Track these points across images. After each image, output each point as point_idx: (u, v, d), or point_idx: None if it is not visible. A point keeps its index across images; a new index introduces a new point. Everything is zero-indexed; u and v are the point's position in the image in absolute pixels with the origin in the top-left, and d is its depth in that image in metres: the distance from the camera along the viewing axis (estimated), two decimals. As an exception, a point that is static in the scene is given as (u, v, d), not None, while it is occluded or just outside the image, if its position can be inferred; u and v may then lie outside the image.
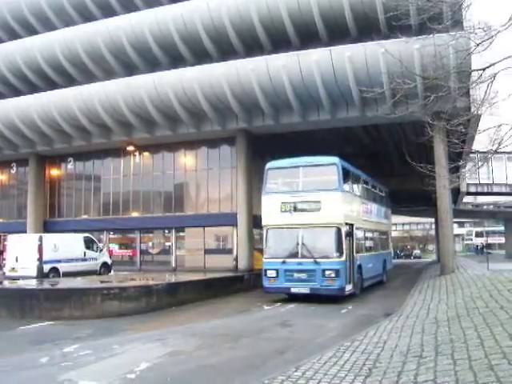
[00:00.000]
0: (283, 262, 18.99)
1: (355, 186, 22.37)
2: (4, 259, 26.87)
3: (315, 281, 18.41)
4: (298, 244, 18.97)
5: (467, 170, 22.13)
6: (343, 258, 18.50)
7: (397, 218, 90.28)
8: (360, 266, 20.92)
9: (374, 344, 9.40)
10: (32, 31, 34.21)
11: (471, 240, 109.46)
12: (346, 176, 20.38)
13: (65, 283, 20.54)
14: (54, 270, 25.32)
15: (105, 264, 29.20)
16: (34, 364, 9.57)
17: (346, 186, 20.19)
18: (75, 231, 30.34)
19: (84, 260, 27.38)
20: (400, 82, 12.56)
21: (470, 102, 18.70)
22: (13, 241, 26.41)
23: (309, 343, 11.24)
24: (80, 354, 10.34)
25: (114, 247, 36.39)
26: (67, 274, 24.98)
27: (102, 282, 21.13)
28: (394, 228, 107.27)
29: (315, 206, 18.98)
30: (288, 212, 19.37)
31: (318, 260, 18.42)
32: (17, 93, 34.05)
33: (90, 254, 27.96)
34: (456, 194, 44.73)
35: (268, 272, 19.42)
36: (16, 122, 31.81)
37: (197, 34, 28.20)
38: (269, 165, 20.83)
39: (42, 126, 31.44)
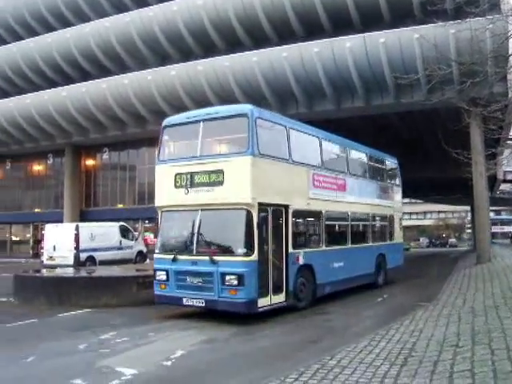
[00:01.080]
0: (174, 260, 13.17)
1: (295, 148, 14.45)
2: (42, 248, 27.32)
3: (212, 290, 12.39)
4: (193, 234, 13.15)
5: (504, 156, 21.79)
6: (253, 255, 12.12)
7: (432, 206, 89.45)
8: (310, 267, 14.58)
9: (409, 333, 9.32)
10: (66, 24, 34.60)
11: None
12: (270, 133, 14.01)
13: (101, 271, 20.75)
14: (91, 259, 25.68)
15: (140, 252, 29.48)
16: (73, 350, 9.71)
17: (268, 148, 13.31)
18: (111, 220, 30.69)
19: (119, 248, 27.69)
20: (435, 68, 12.38)
21: (507, 87, 18.36)
22: (50, 230, 26.78)
23: (344, 331, 11.21)
24: (117, 341, 10.47)
25: (149, 236, 36.70)
26: (103, 263, 25.28)
27: (137, 270, 21.27)
28: (428, 216, 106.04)
29: (217, 179, 12.88)
30: (183, 188, 13.40)
31: (217, 258, 12.39)
32: (53, 84, 34.53)
33: (125, 242, 28.26)
34: (492, 181, 44.05)
35: (157, 273, 13.66)
36: (52, 113, 32.29)
37: (229, 23, 28.20)
38: (165, 121, 15.32)
39: (77, 116, 31.86)
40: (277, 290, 13.10)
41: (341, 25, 27.02)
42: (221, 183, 12.73)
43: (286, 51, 25.55)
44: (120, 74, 30.81)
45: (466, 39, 17.49)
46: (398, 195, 23.00)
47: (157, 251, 14.08)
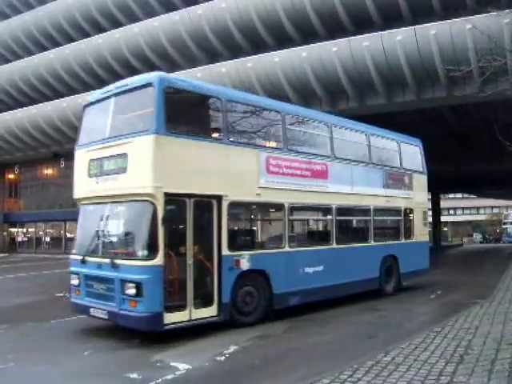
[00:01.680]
0: (83, 262, 11.33)
1: (236, 125, 12.20)
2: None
3: (114, 299, 10.26)
4: (99, 231, 11.20)
5: None
6: (157, 259, 9.85)
7: (486, 201, 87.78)
8: (263, 273, 12.00)
9: (465, 330, 9.17)
10: (117, 23, 35.20)
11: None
12: (191, 106, 11.78)
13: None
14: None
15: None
16: (128, 345, 9.88)
17: (186, 125, 11.27)
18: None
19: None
20: (489, 59, 12.11)
21: None
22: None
23: (398, 328, 11.10)
24: (170, 336, 10.60)
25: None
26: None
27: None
28: (482, 211, 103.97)
29: (121, 164, 10.66)
30: (94, 176, 11.39)
31: (118, 262, 10.29)
32: (103, 84, 35.10)
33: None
34: (550, 175, 42.87)
35: (71, 277, 11.84)
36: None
37: (278, 19, 28.20)
38: (85, 100, 13.16)
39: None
40: (203, 302, 10.74)
41: (391, 18, 26.70)
42: (124, 170, 10.52)
43: (335, 45, 25.35)
44: (170, 73, 31.10)
45: (520, 28, 17.07)
46: (420, 185, 19.22)
47: (73, 251, 12.16)
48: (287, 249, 12.82)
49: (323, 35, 28.05)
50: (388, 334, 10.50)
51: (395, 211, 17.47)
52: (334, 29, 28.06)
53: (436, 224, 64.81)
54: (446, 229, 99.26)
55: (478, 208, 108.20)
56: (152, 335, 10.21)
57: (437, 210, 65.80)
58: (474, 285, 19.45)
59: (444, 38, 22.95)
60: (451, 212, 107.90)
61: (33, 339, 10.63)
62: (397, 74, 25.06)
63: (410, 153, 19.11)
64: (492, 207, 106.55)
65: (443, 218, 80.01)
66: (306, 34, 28.65)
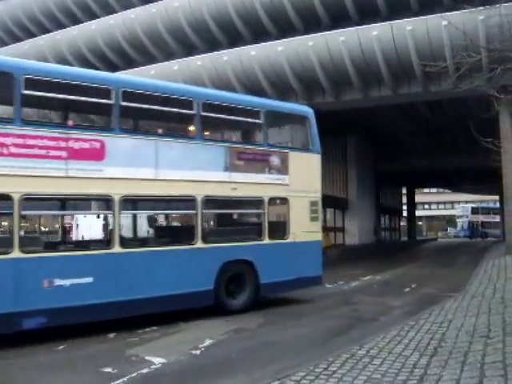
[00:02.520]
0: None
1: None
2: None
3: None
4: None
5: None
6: None
7: (460, 196, 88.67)
8: None
9: (438, 323, 9.26)
10: (92, 15, 34.83)
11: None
12: None
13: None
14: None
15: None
16: (102, 339, 9.83)
17: None
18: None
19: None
20: (464, 55, 12.21)
21: (538, 74, 18.04)
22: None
23: (372, 321, 11.19)
24: (146, 330, 10.57)
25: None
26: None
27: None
28: (457, 206, 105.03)
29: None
30: None
31: None
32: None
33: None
34: (523, 170, 43.37)
35: None
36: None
37: (255, 12, 28.11)
38: None
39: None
40: None
41: (367, 13, 26.75)
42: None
43: (311, 40, 25.35)
44: (146, 65, 30.89)
45: (495, 25, 17.15)
46: (306, 167, 14.61)
47: None
48: (17, 254, 9.39)
49: (300, 29, 28.02)
50: (363, 327, 10.59)
51: (251, 202, 13.82)
52: (310, 23, 28.05)
53: (411, 218, 65.41)
54: (420, 223, 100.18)
55: (452, 203, 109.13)
56: (127, 329, 10.17)
57: (412, 204, 66.36)
58: (448, 278, 19.70)
59: (420, 34, 23.10)
60: (426, 207, 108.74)
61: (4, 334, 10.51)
62: (373, 69, 25.16)
63: (289, 125, 15.95)
64: (466, 202, 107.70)
65: (418, 213, 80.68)
66: (283, 28, 28.61)
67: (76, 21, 35.48)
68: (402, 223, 64.39)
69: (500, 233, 77.42)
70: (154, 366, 7.96)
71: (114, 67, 33.69)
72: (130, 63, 33.14)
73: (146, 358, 8.46)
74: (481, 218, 79.14)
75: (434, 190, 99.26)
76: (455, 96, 23.43)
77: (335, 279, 19.73)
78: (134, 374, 7.51)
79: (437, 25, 22.21)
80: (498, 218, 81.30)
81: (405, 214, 65.75)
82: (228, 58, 27.21)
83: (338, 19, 27.25)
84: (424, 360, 6.87)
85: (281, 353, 8.72)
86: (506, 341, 6.94)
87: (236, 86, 27.68)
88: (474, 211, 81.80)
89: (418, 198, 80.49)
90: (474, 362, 6.26)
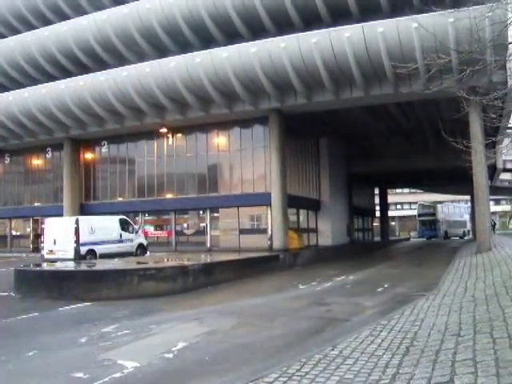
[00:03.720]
0: None
1: None
2: (42, 242, 27.30)
3: None
4: None
5: (504, 145, 21.78)
6: None
7: (432, 196, 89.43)
8: None
9: (411, 322, 9.33)
10: (64, 17, 34.48)
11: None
12: None
13: (102, 265, 20.82)
14: (91, 252, 25.62)
15: (140, 245, 29.44)
16: (74, 343, 9.74)
17: None
18: (111, 214, 30.65)
19: (120, 242, 27.64)
20: (434, 57, 12.32)
21: (507, 75, 18.29)
22: (50, 224, 26.72)
23: (345, 322, 11.23)
24: (118, 333, 10.49)
25: (150, 229, 36.76)
26: (104, 256, 25.28)
27: (138, 263, 21.36)
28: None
29: None
30: None
31: None
32: (50, 78, 34.40)
33: (125, 235, 28.21)
34: (492, 170, 44.07)
35: None
36: (50, 107, 32.18)
37: (227, 14, 28.10)
38: None
39: (75, 110, 31.75)
40: None
41: (339, 15, 26.89)
42: None
43: (284, 42, 25.41)
44: (118, 67, 30.70)
45: (464, 28, 17.41)
46: None
47: None
48: None
49: (272, 31, 28.07)
50: (336, 327, 10.62)
51: None
52: (283, 25, 28.12)
53: (384, 219, 65.85)
54: (393, 223, 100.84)
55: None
56: (99, 333, 10.07)
57: (384, 205, 66.81)
58: (421, 277, 19.85)
59: (391, 36, 23.29)
60: (398, 207, 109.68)
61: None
62: (345, 71, 25.31)
63: None
64: (441, 202, 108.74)
65: (390, 213, 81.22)
66: (256, 30, 28.62)
67: (47, 22, 35.09)
68: (374, 223, 64.69)
69: (462, 232, 77.02)
70: (126, 370, 7.89)
71: (85, 69, 33.42)
72: (101, 65, 32.88)
73: (119, 361, 8.39)
74: (441, 216, 74.19)
75: (406, 190, 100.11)
76: (426, 97, 23.67)
77: (308, 280, 19.81)
78: (106, 379, 7.43)
79: (407, 27, 22.42)
80: (459, 217, 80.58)
81: (378, 214, 66.12)
82: (200, 60, 27.15)
83: (310, 21, 27.35)
84: (396, 359, 6.91)
85: (254, 355, 8.71)
86: (476, 339, 7.01)
87: (208, 88, 27.65)
88: (419, 215, 76.86)
89: (391, 199, 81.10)
90: (445, 360, 6.31)
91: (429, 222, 73.37)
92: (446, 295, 12.18)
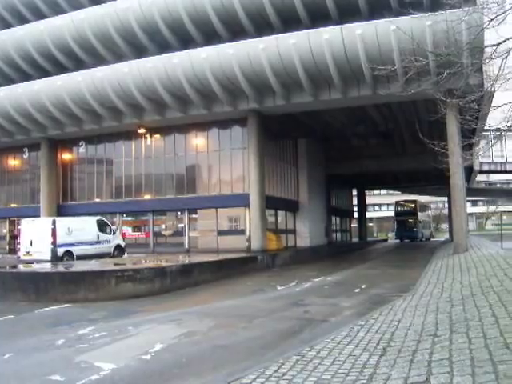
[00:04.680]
0: None
1: None
2: (18, 243, 27.06)
3: None
4: None
5: (480, 147, 22.00)
6: None
7: (410, 198, 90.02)
8: None
9: (388, 323, 9.37)
10: (41, 15, 34.14)
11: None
12: None
13: (79, 266, 20.66)
14: (68, 254, 25.45)
15: (118, 246, 29.30)
16: (51, 346, 9.65)
17: None
18: (88, 214, 30.45)
19: (98, 243, 27.48)
20: (412, 60, 12.44)
21: (483, 78, 18.51)
22: (27, 225, 26.49)
23: (323, 322, 11.25)
24: (95, 335, 10.42)
25: (127, 230, 36.56)
26: (81, 257, 25.12)
27: (115, 264, 21.23)
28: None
29: None
30: None
31: None
32: (27, 77, 34.05)
33: (103, 236, 28.05)
34: (469, 172, 44.50)
35: None
36: (27, 107, 31.85)
37: (206, 15, 28.04)
38: None
39: (52, 110, 31.47)
40: None
41: (318, 16, 26.98)
42: None
43: (263, 43, 25.44)
44: (96, 67, 30.50)
45: (442, 31, 17.56)
46: None
47: None
48: None
49: (251, 33, 28.08)
50: (313, 328, 10.63)
51: None
52: (262, 27, 28.14)
53: (362, 220, 66.16)
54: (371, 224, 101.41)
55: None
56: (76, 335, 9.99)
57: (362, 206, 67.13)
58: (398, 278, 19.97)
59: (369, 38, 23.42)
60: (376, 208, 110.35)
61: None
62: (323, 73, 25.39)
63: None
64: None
65: (368, 214, 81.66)
66: (234, 31, 28.62)
67: (23, 21, 34.69)
68: (352, 224, 65.00)
69: (429, 234, 73.51)
70: (103, 372, 7.83)
71: (63, 69, 33.12)
72: (79, 65, 32.63)
73: (96, 364, 8.32)
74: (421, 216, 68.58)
75: (384, 191, 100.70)
76: (404, 99, 23.89)
77: (287, 281, 19.84)
78: (82, 381, 7.37)
79: (386, 29, 22.57)
80: (427, 218, 76.76)
81: (356, 215, 66.43)
82: (179, 61, 27.07)
83: (289, 23, 27.40)
84: (373, 360, 6.93)
85: (231, 356, 8.70)
86: (452, 339, 7.06)
87: (187, 89, 27.58)
88: (397, 215, 71.00)
89: (369, 200, 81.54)
90: (421, 360, 6.34)
91: (409, 222, 67.17)
92: (423, 296, 12.26)
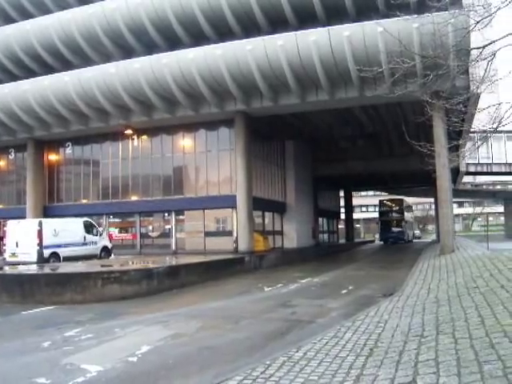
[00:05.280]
0: None
1: None
2: (4, 245, 26.85)
3: None
4: None
5: (467, 148, 22.14)
6: None
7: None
8: None
9: (375, 324, 9.40)
10: (27, 15, 33.93)
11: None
12: None
13: (65, 268, 20.55)
14: (55, 255, 25.29)
15: (105, 248, 29.16)
16: (37, 348, 9.58)
17: None
18: (75, 216, 30.29)
19: (84, 244, 27.34)
20: (399, 61, 12.48)
21: (469, 80, 18.61)
22: (12, 226, 26.30)
23: (310, 324, 11.27)
24: (82, 337, 10.36)
25: (114, 231, 36.41)
26: (67, 259, 24.98)
27: (102, 265, 21.14)
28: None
29: None
30: None
31: None
32: (13, 78, 33.82)
33: (90, 238, 27.91)
34: (455, 173, 44.78)
35: None
36: (13, 108, 31.65)
37: (193, 16, 27.99)
38: None
39: (39, 110, 31.28)
40: None
41: (305, 18, 27.02)
42: None
43: (250, 44, 25.43)
44: (83, 68, 30.35)
45: (428, 33, 17.65)
46: None
47: None
48: None
49: (239, 34, 28.07)
50: (300, 329, 10.65)
51: None
52: (249, 28, 28.14)
53: (349, 221, 66.28)
54: (358, 225, 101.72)
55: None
56: (62, 337, 9.93)
57: (349, 207, 67.22)
58: (385, 279, 20.04)
59: (357, 40, 23.49)
60: (363, 209, 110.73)
61: None
62: (311, 74, 25.44)
63: None
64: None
65: (356, 215, 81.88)
66: (222, 33, 28.59)
67: (9, 20, 34.47)
68: (340, 226, 65.09)
69: (412, 235, 70.41)
70: (89, 375, 7.80)
71: (49, 69, 32.94)
72: (66, 65, 32.45)
73: (82, 366, 8.28)
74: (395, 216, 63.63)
75: (371, 192, 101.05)
76: (390, 101, 23.96)
77: (274, 282, 19.85)
78: (68, 384, 7.33)
79: (373, 31, 22.66)
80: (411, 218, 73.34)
81: (343, 216, 66.54)
82: (166, 61, 27.01)
83: (277, 24, 27.42)
84: (360, 360, 6.94)
85: (218, 357, 8.69)
86: (438, 339, 7.09)
87: (174, 90, 27.53)
88: (381, 215, 66.91)
89: (356, 201, 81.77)
90: (408, 361, 6.37)
91: (394, 222, 62.96)
92: (410, 297, 12.30)
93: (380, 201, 69.93)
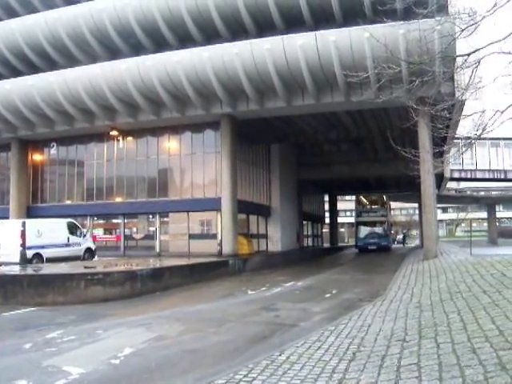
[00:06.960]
0: None
1: None
2: (-14, 245, 26.61)
3: None
4: None
5: (451, 155, 22.28)
6: None
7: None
8: None
9: (358, 328, 9.42)
10: (13, 13, 33.71)
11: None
12: None
13: (48, 269, 20.41)
14: (38, 256, 25.12)
15: (88, 249, 29.01)
16: (18, 350, 9.50)
17: None
18: (59, 217, 30.08)
19: (67, 245, 27.18)
20: (385, 67, 12.53)
21: (454, 87, 18.74)
22: (-5, 227, 26.10)
23: (293, 327, 11.27)
24: (64, 339, 10.29)
25: (98, 233, 36.24)
26: (51, 260, 24.82)
27: (85, 267, 21.03)
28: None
29: None
30: None
31: None
32: (-2, 77, 33.59)
33: (73, 239, 27.76)
34: (440, 179, 45.06)
35: None
36: (-2, 107, 31.42)
37: (181, 18, 27.95)
38: None
39: (24, 110, 31.07)
40: None
41: (293, 22, 27.09)
42: None
43: (237, 48, 25.44)
44: (69, 68, 30.20)
45: (414, 39, 17.76)
46: None
47: None
48: None
49: (226, 37, 28.07)
50: (283, 333, 10.64)
51: None
52: (236, 31, 28.16)
53: (333, 225, 66.40)
54: (343, 230, 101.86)
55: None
56: (44, 339, 9.86)
57: (334, 211, 67.34)
58: (368, 284, 20.10)
59: (343, 45, 23.58)
60: (348, 214, 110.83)
61: None
62: (297, 78, 25.50)
63: None
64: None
65: (340, 220, 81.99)
66: (209, 35, 28.59)
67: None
68: (324, 230, 65.18)
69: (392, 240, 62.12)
70: (71, 377, 7.75)
71: (35, 69, 32.74)
72: (52, 65, 32.28)
73: (64, 368, 8.23)
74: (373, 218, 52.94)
75: (355, 197, 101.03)
76: (376, 106, 24.06)
77: (258, 286, 19.85)
78: (49, 386, 7.28)
79: (359, 36, 22.76)
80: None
81: (327, 220, 66.66)
82: (153, 63, 26.95)
83: (264, 28, 27.47)
84: (343, 364, 6.96)
85: (201, 360, 8.67)
86: (421, 344, 7.13)
87: (160, 92, 27.47)
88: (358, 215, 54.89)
89: (340, 205, 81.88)
90: (390, 365, 6.39)
91: (375, 225, 52.47)
92: (393, 301, 12.35)
93: (357, 198, 58.57)
